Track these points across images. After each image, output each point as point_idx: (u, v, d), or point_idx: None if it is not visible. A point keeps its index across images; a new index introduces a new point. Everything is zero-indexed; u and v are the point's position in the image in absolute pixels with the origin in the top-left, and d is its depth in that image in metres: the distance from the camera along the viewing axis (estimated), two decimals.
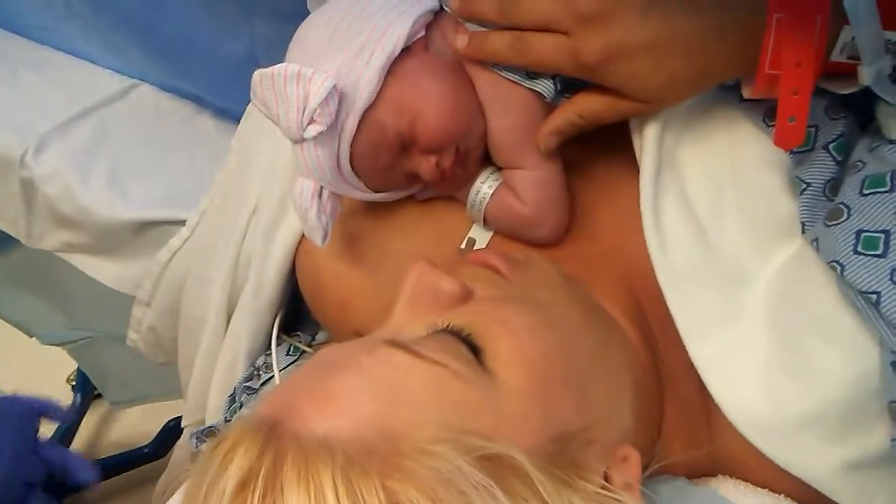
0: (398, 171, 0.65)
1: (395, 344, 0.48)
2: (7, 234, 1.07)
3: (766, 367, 0.56)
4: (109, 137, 1.02)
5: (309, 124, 0.60)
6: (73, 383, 1.72)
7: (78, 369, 1.69)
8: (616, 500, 0.46)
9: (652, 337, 0.63)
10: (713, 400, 0.57)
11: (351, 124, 0.61)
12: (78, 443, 1.68)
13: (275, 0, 0.91)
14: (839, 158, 0.59)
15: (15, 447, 0.79)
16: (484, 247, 0.68)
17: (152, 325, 0.96)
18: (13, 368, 1.70)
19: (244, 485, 0.40)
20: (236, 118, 0.94)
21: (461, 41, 0.62)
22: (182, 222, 0.93)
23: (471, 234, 0.69)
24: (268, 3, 0.92)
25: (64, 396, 1.73)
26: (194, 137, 1.05)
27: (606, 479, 0.49)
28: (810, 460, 0.55)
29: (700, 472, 0.62)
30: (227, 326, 0.84)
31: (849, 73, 0.55)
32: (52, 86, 1.06)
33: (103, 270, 1.02)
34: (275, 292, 0.78)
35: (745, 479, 0.60)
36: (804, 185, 0.58)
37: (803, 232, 0.58)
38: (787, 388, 0.55)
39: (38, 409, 0.88)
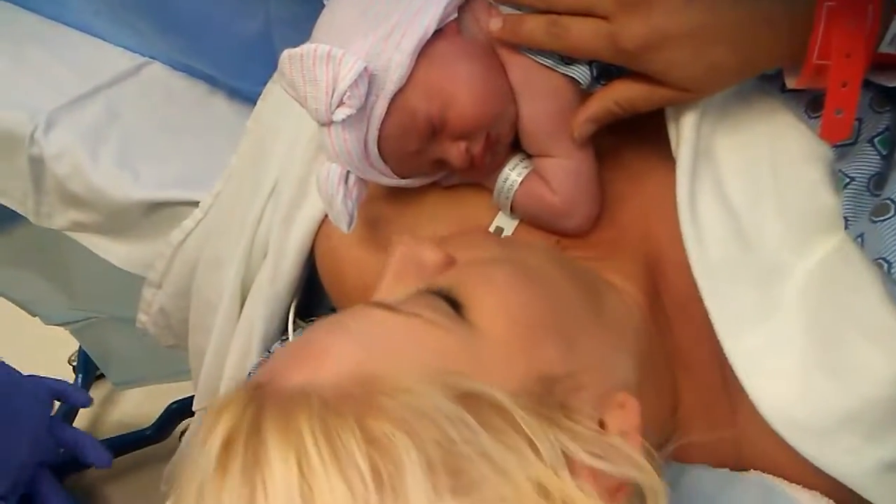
0: (426, 157, 0.64)
1: (375, 304, 0.49)
2: (10, 211, 1.06)
3: (804, 364, 0.55)
4: (120, 116, 1.00)
5: (338, 107, 0.58)
6: (75, 364, 1.71)
7: (80, 350, 1.68)
8: (609, 443, 0.45)
9: (664, 318, 0.62)
10: (743, 393, 0.56)
11: (380, 108, 0.60)
12: (80, 423, 1.66)
13: None
14: (884, 153, 0.57)
15: (35, 427, 0.78)
16: (510, 235, 0.67)
17: (163, 307, 0.95)
18: (15, 348, 1.69)
19: (229, 442, 0.40)
20: (250, 99, 0.92)
21: (495, 24, 0.61)
22: (194, 204, 0.91)
23: (497, 222, 0.68)
24: None
25: (65, 377, 1.73)
26: (207, 118, 1.03)
27: (602, 426, 0.48)
28: (847, 460, 0.54)
29: (725, 461, 0.60)
30: (240, 311, 0.83)
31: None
32: (62, 62, 1.04)
33: (113, 251, 1.00)
34: (292, 277, 0.77)
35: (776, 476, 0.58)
36: (847, 180, 0.57)
37: (846, 227, 0.56)
38: (825, 387, 0.54)
39: (55, 391, 0.87)
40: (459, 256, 0.56)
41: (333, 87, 0.57)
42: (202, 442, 0.41)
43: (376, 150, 0.62)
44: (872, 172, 0.57)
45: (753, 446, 0.59)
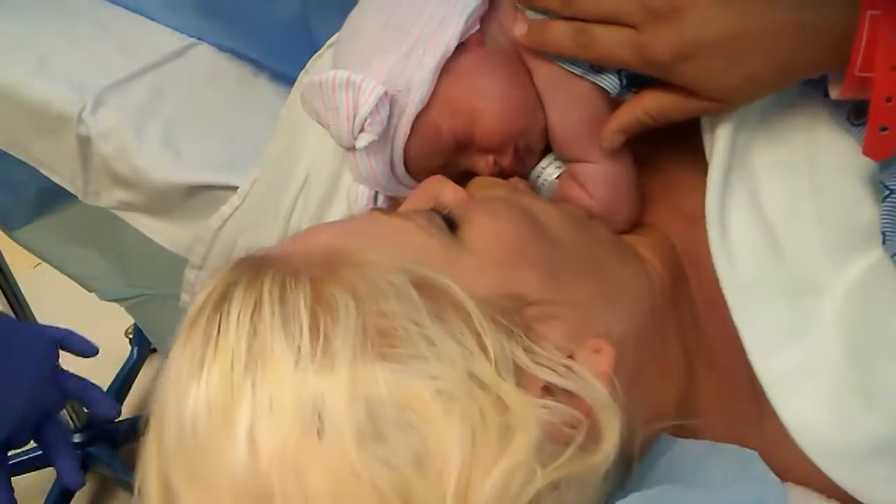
0: (454, 169, 0.63)
1: (377, 209, 0.54)
2: (67, 190, 1.07)
3: (838, 386, 0.53)
4: (166, 97, 1.00)
5: (360, 132, 0.58)
6: (131, 336, 1.75)
7: (135, 324, 1.72)
8: (569, 367, 0.46)
9: (688, 307, 0.61)
10: (771, 405, 0.54)
11: (404, 128, 0.59)
12: (134, 394, 1.72)
13: None
14: None
15: (36, 376, 0.81)
16: None
17: None
18: (75, 320, 1.74)
19: (212, 290, 0.46)
20: (292, 82, 0.91)
21: (520, 29, 0.59)
22: (234, 188, 0.91)
23: None
24: None
25: (123, 349, 1.78)
26: (251, 100, 1.03)
27: (571, 359, 0.48)
28: (881, 489, 0.52)
29: None
30: None
31: None
32: (113, 42, 1.05)
33: (158, 230, 1.01)
34: None
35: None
36: (887, 192, 0.54)
37: (884, 243, 0.54)
38: (858, 411, 0.52)
39: (59, 340, 0.90)
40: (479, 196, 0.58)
41: (354, 113, 0.57)
42: (195, 300, 0.47)
43: (403, 169, 0.62)
44: None
45: (781, 460, 0.57)
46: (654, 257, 0.61)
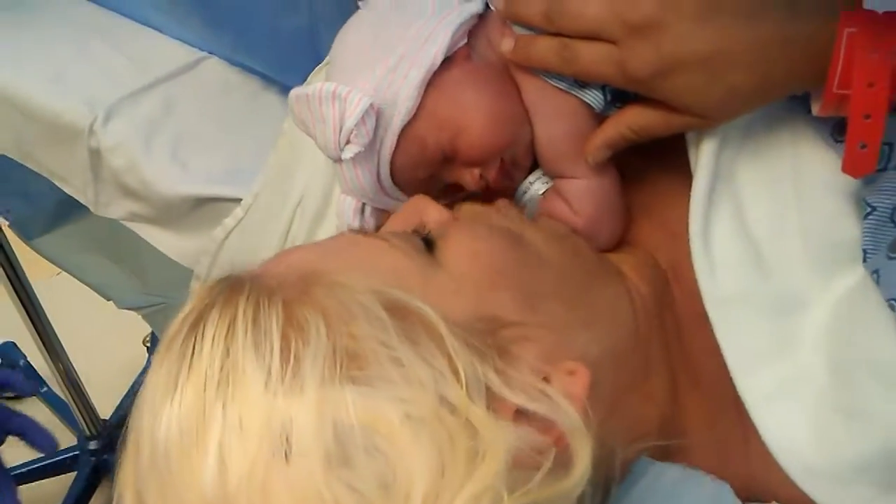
0: (440, 182, 0.63)
1: (355, 230, 0.55)
2: None
3: (820, 406, 0.53)
4: (175, 110, 1.02)
5: (346, 144, 0.58)
6: (148, 345, 1.77)
7: (152, 332, 1.74)
8: (542, 391, 0.45)
9: (673, 323, 0.60)
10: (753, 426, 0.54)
11: (390, 141, 0.60)
12: None
13: None
14: None
15: None
16: None
17: None
18: (94, 328, 1.77)
19: (192, 309, 0.47)
20: None
21: (507, 45, 0.59)
22: (237, 200, 0.92)
23: None
24: None
25: (140, 357, 1.80)
26: (259, 114, 1.04)
27: (545, 381, 0.47)
28: None
29: (734, 490, 0.58)
30: None
31: None
32: (124, 55, 1.07)
33: (166, 241, 1.03)
34: None
35: None
36: (869, 209, 0.53)
37: (864, 261, 0.53)
38: (841, 432, 0.52)
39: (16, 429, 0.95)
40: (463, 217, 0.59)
41: (340, 125, 0.57)
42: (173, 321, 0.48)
43: (390, 181, 0.62)
44: None
45: (766, 482, 0.57)
46: (637, 277, 0.60)
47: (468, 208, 0.61)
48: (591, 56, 0.55)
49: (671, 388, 0.59)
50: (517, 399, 0.45)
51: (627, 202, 0.64)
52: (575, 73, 0.57)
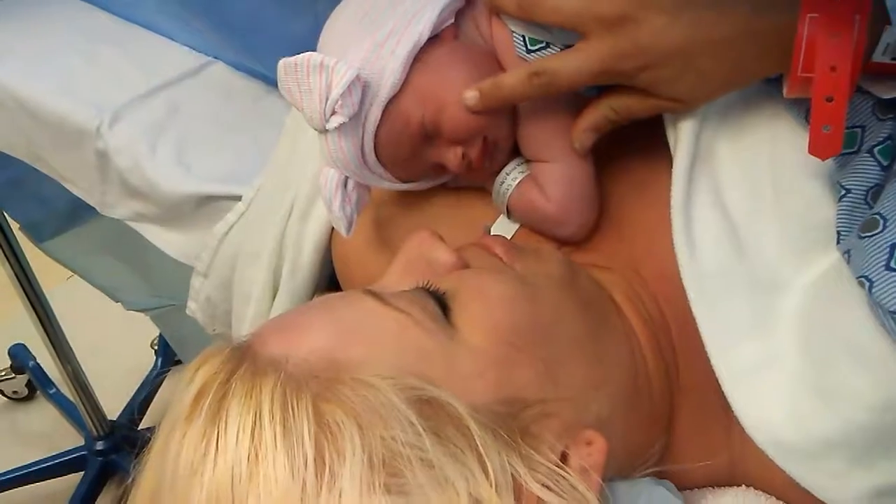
0: (425, 161, 0.65)
1: (368, 292, 0.51)
2: None
3: (794, 384, 0.53)
4: (180, 113, 1.04)
5: (332, 115, 0.59)
6: (156, 348, 1.79)
7: (160, 335, 1.76)
8: (564, 477, 0.45)
9: (668, 342, 0.60)
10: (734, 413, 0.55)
11: (375, 114, 0.61)
12: (158, 403, 1.76)
13: None
14: (885, 163, 0.55)
15: None
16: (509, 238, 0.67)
17: (209, 296, 0.99)
18: (102, 331, 1.80)
19: (200, 394, 0.44)
20: None
21: (471, 98, 0.60)
22: (239, 198, 0.94)
23: (495, 225, 0.68)
24: None
25: (148, 359, 1.82)
26: (262, 116, 1.06)
27: (564, 458, 0.48)
28: (835, 484, 0.52)
29: (718, 481, 0.60)
30: (272, 303, 0.85)
31: (894, 74, 0.51)
32: (131, 60, 1.10)
33: (169, 241, 1.05)
34: (310, 272, 0.80)
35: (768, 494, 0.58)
36: (844, 192, 0.55)
37: (838, 242, 0.54)
38: (813, 408, 0.52)
39: None
40: (472, 264, 0.57)
41: (326, 95, 0.58)
42: (182, 387, 0.45)
43: (374, 156, 0.63)
44: (871, 184, 0.54)
45: (746, 464, 0.58)
46: (629, 305, 0.61)
47: (475, 253, 0.59)
48: (570, 71, 0.57)
49: (669, 405, 0.60)
50: (541, 492, 0.44)
51: (608, 191, 0.66)
52: (560, 91, 0.59)
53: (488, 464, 0.43)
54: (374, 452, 0.41)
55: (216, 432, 0.42)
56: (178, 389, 0.46)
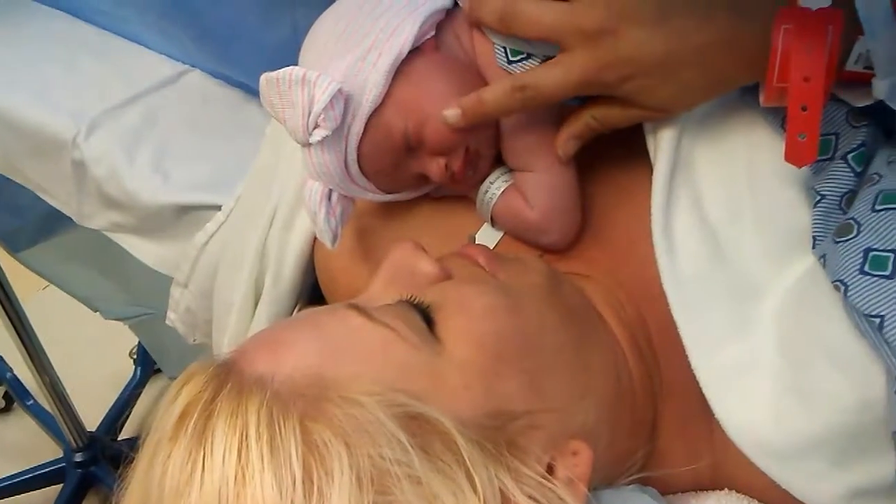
0: (408, 172, 0.65)
1: (353, 307, 0.50)
2: None
3: (774, 386, 0.54)
4: (158, 122, 1.04)
5: (314, 128, 0.60)
6: (135, 357, 1.78)
7: (139, 344, 1.75)
8: (551, 489, 0.46)
9: (650, 349, 0.61)
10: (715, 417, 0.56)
11: (357, 126, 0.61)
12: (137, 413, 1.75)
13: None
14: (858, 170, 0.57)
15: None
16: (492, 247, 0.68)
17: (189, 307, 0.99)
18: (80, 341, 1.79)
19: (185, 413, 0.43)
20: None
21: (452, 116, 0.61)
22: (219, 207, 0.94)
23: (479, 234, 0.68)
24: None
25: (127, 369, 1.81)
26: (240, 124, 1.06)
27: (551, 469, 0.48)
28: (815, 485, 0.53)
29: (702, 485, 0.60)
30: (253, 312, 0.85)
31: (866, 82, 0.52)
32: (109, 70, 1.09)
33: (146, 251, 1.04)
34: (293, 281, 0.80)
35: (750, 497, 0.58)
36: (818, 197, 0.56)
37: (813, 247, 0.55)
38: (793, 410, 0.53)
39: None
40: (455, 274, 0.57)
41: (309, 109, 0.59)
42: (166, 405, 0.45)
43: (357, 168, 0.63)
44: (845, 190, 0.56)
45: (727, 466, 0.59)
46: (611, 312, 0.61)
47: (458, 263, 0.59)
48: (551, 84, 0.57)
49: (654, 411, 0.60)
50: (527, 502, 0.45)
51: (591, 199, 0.66)
52: (543, 104, 0.59)
53: (476, 478, 0.43)
54: (362, 471, 0.41)
55: (202, 453, 0.42)
56: (162, 407, 0.45)
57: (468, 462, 0.43)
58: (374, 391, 0.44)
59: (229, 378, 0.45)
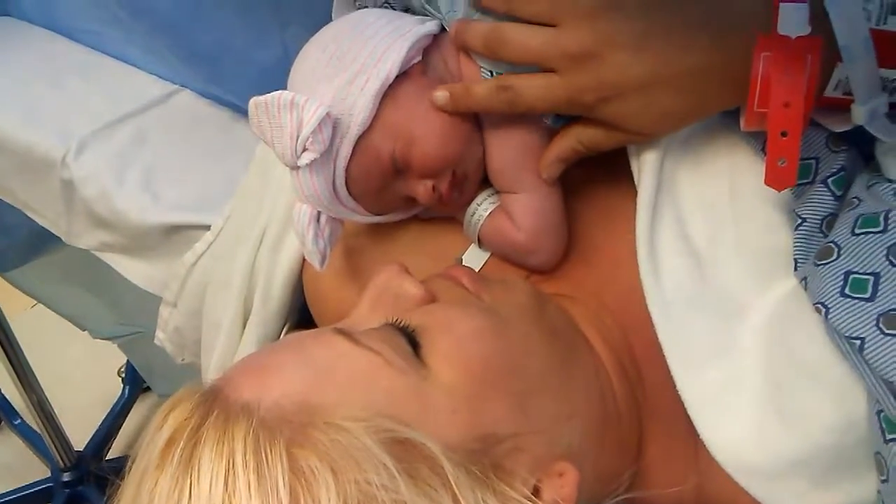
0: (396, 195, 0.65)
1: (339, 331, 0.51)
2: None
3: (757, 406, 0.55)
4: (147, 141, 1.04)
5: (303, 152, 0.60)
6: (123, 375, 1.77)
7: (127, 362, 1.75)
8: None
9: (634, 370, 0.62)
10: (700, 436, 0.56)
11: (345, 150, 0.62)
12: (126, 432, 1.74)
13: (307, 8, 0.92)
14: (838, 193, 0.57)
15: None
16: (478, 269, 0.68)
17: (178, 326, 0.99)
18: (68, 360, 1.78)
19: (171, 441, 0.44)
20: None
21: (441, 98, 0.62)
22: (207, 227, 0.94)
23: (466, 255, 0.69)
24: (300, 11, 0.93)
25: (115, 388, 1.80)
26: (230, 144, 1.06)
27: (537, 491, 0.49)
28: (798, 502, 0.54)
29: None
30: (242, 332, 0.85)
31: (845, 108, 0.53)
32: (98, 90, 1.09)
33: (135, 270, 1.04)
34: (282, 301, 0.80)
35: None
36: (800, 220, 0.57)
37: (795, 269, 0.56)
38: (777, 430, 0.54)
39: None
40: (440, 297, 0.57)
41: (297, 132, 0.59)
42: (153, 432, 0.45)
43: (345, 191, 0.64)
44: (826, 213, 0.57)
45: (712, 487, 0.59)
46: (596, 334, 0.62)
47: (442, 285, 0.59)
48: (535, 90, 0.58)
49: (639, 432, 0.61)
50: None
51: (576, 219, 0.67)
52: (521, 111, 0.60)
53: (463, 502, 0.43)
54: (349, 496, 0.41)
55: (189, 481, 0.42)
56: (148, 434, 0.46)
57: (455, 486, 0.43)
58: (361, 417, 0.45)
59: (215, 405, 0.45)
